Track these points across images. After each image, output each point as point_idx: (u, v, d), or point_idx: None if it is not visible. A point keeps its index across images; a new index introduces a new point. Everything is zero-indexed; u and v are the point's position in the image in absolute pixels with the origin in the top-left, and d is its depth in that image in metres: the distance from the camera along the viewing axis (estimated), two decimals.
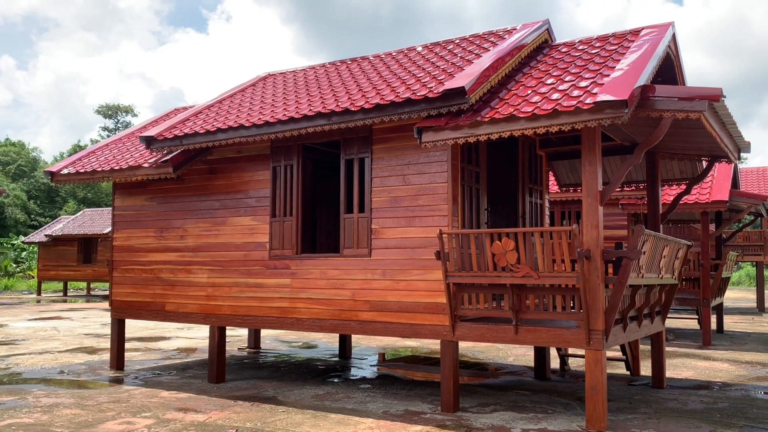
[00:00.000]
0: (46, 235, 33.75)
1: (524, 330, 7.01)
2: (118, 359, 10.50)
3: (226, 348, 13.09)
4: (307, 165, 10.98)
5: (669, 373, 10.01)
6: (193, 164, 9.53)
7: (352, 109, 7.52)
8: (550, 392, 8.68)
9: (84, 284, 38.53)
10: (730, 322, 19.03)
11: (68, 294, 34.60)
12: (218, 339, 9.43)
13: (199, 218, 9.68)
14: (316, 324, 8.46)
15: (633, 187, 14.29)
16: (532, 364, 10.97)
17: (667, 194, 14.21)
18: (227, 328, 13.29)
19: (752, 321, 20.00)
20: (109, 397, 8.28)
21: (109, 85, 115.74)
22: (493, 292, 7.24)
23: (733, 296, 34.26)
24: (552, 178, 12.96)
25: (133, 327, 17.30)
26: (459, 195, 7.70)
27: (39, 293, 33.99)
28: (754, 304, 26.84)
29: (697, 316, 17.47)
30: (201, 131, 8.79)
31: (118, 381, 9.51)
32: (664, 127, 6.47)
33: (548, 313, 6.90)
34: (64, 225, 34.55)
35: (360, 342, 14.26)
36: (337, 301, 8.30)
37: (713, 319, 17.13)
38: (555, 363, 10.84)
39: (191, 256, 9.70)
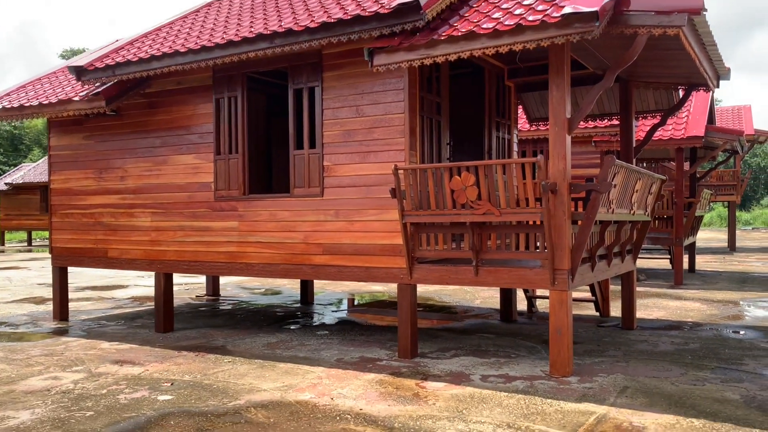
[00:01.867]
0: (6, 184, 32.50)
1: (485, 271, 6.50)
2: (61, 309, 9.87)
3: (183, 296, 12.53)
4: (260, 99, 10.21)
5: (640, 314, 9.68)
6: (130, 98, 8.70)
7: (296, 29, 6.74)
8: (515, 335, 8.28)
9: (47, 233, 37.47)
10: (702, 262, 18.92)
11: (33, 244, 33.62)
12: (164, 286, 8.82)
13: (139, 157, 8.92)
14: (267, 269, 7.88)
15: (606, 122, 13.73)
16: (498, 306, 10.57)
17: (641, 130, 13.69)
18: (187, 276, 12.76)
19: (723, 260, 19.93)
20: (43, 349, 7.68)
21: (73, 29, 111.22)
22: (452, 231, 6.68)
23: (704, 237, 34.49)
24: (522, 113, 12.30)
25: (91, 276, 16.63)
26: (417, 127, 7.04)
27: (2, 243, 32.98)
28: (725, 244, 26.93)
29: (669, 256, 17.27)
30: (134, 59, 7.94)
31: (58, 332, 8.90)
32: (638, 45, 5.82)
33: (510, 253, 6.37)
34: (25, 173, 33.26)
35: (326, 287, 13.78)
36: (288, 245, 7.70)
37: (685, 258, 16.93)
38: (523, 305, 10.45)
39: (133, 199, 8.99)
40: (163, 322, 8.76)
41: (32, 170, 33.38)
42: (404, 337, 6.97)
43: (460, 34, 5.83)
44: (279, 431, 4.70)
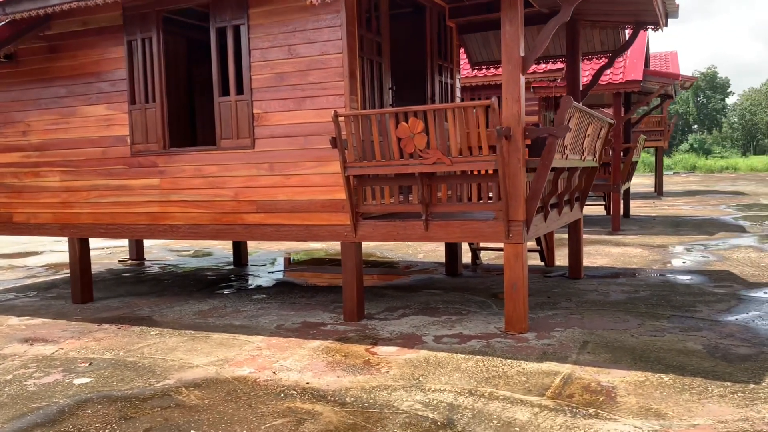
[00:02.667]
0: None
1: (435, 225, 6.02)
2: None
3: (105, 261, 11.60)
4: (179, 44, 9.27)
5: (584, 262, 9.52)
6: (27, 41, 7.60)
7: None
8: (463, 290, 7.93)
9: None
10: (634, 207, 19.24)
11: None
12: (80, 253, 7.96)
13: (43, 109, 7.89)
14: (194, 230, 7.16)
15: (544, 67, 13.38)
16: (443, 260, 10.23)
17: (584, 74, 13.42)
18: (108, 239, 11.71)
19: (654, 205, 20.36)
20: None
21: None
22: (399, 183, 6.15)
23: (632, 182, 35.48)
24: (463, 57, 11.76)
25: (2, 241, 15.29)
26: (357, 70, 6.40)
27: None
28: (653, 189, 27.66)
29: (603, 202, 17.41)
30: None
31: None
32: None
33: (462, 205, 5.91)
34: None
35: (260, 247, 13.10)
36: (217, 203, 6.99)
37: None
38: (467, 258, 10.14)
39: (38, 156, 7.98)
40: (81, 292, 7.93)
41: None
42: (350, 299, 6.46)
43: None
44: (215, 415, 4.14)
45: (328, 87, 6.33)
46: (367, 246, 12.22)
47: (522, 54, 5.60)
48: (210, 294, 8.24)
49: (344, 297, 6.50)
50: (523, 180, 5.66)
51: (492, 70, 12.47)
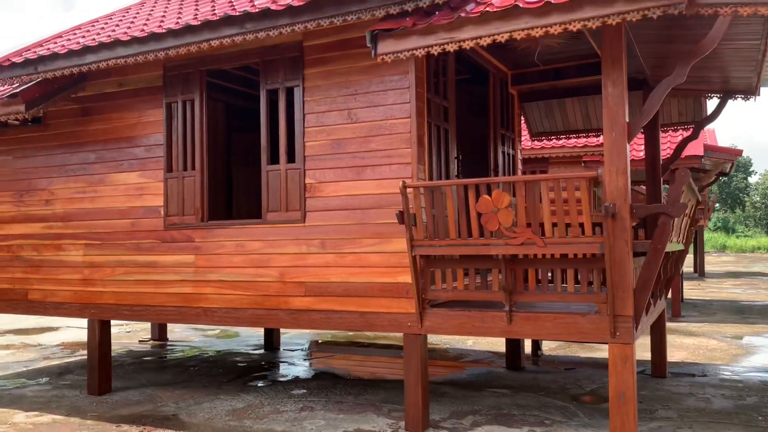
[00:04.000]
0: None
1: (521, 318, 5.07)
2: None
3: (124, 341, 10.67)
4: (218, 109, 8.67)
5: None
6: (58, 103, 7.00)
7: (275, 8, 5.26)
8: (533, 390, 6.86)
9: None
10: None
11: None
12: (100, 337, 7.06)
13: (70, 176, 7.20)
14: (232, 315, 6.25)
15: (597, 140, 12.62)
16: (496, 348, 9.19)
17: (635, 149, 12.64)
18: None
19: (700, 287, 19.16)
20: None
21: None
22: (476, 266, 5.25)
23: None
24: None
25: (15, 315, 14.45)
26: (425, 136, 5.64)
27: None
28: (692, 269, 26.42)
29: None
30: (62, 51, 6.29)
31: None
32: (720, 28, 4.59)
33: (556, 294, 4.98)
34: None
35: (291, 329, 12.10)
36: (259, 284, 6.11)
37: None
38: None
39: (61, 227, 7.23)
40: (99, 381, 6.98)
41: None
42: (413, 404, 5.44)
43: (497, 9, 4.47)
44: None
45: (393, 155, 5.55)
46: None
47: (627, 120, 4.80)
48: (242, 387, 7.24)
49: (406, 402, 5.48)
50: (630, 267, 4.73)
51: (555, 141, 11.75)
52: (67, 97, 7.02)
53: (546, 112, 8.65)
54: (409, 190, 5.15)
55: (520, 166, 8.31)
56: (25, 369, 8.51)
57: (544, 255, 5.00)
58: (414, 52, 4.83)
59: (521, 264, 5.05)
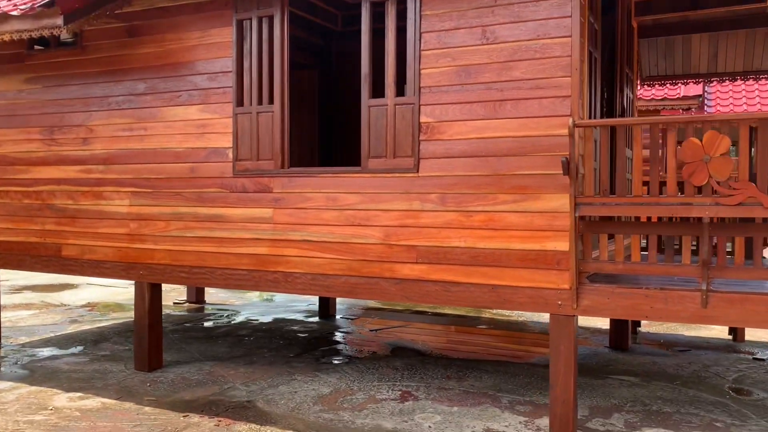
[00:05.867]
0: None
1: (721, 300, 3.91)
2: None
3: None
4: (300, 36, 7.38)
5: None
6: (99, 18, 5.72)
7: None
8: (665, 378, 5.78)
9: None
10: None
11: None
12: (150, 302, 5.94)
13: (113, 109, 5.97)
14: (319, 283, 5.11)
15: (678, 93, 11.33)
16: (590, 324, 8.11)
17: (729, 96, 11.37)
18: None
19: None
20: None
21: None
22: (659, 232, 4.09)
23: None
24: None
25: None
26: (585, 65, 4.41)
27: None
28: None
29: None
30: None
31: None
32: None
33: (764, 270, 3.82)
34: None
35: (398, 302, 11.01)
36: (356, 247, 4.95)
37: None
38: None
39: (102, 171, 6.04)
40: (148, 356, 5.89)
41: None
42: (562, 401, 4.32)
43: None
44: None
45: (544, 85, 4.33)
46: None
47: None
48: (316, 364, 6.16)
49: (553, 398, 4.37)
50: None
51: (669, 86, 10.47)
52: (110, 14, 5.73)
53: (666, 50, 7.36)
54: (578, 129, 3.95)
55: (636, 113, 7.08)
56: (53, 335, 7.42)
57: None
58: None
59: (723, 230, 3.89)
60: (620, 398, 5.18)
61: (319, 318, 8.63)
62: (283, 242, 5.24)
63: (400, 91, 4.84)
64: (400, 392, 5.27)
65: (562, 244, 4.25)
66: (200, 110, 5.57)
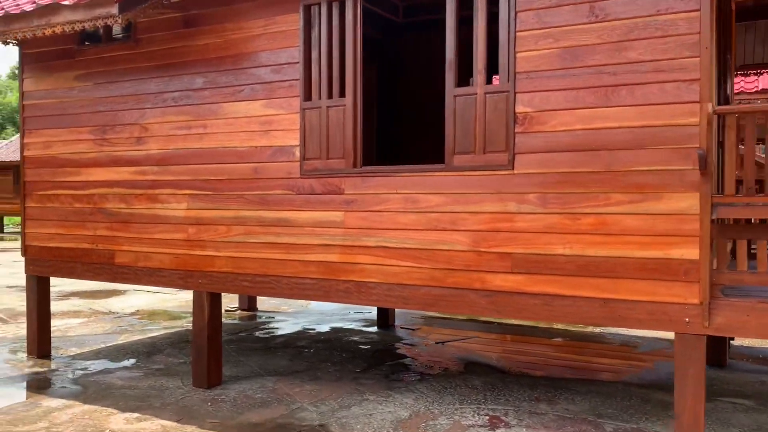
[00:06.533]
0: None
1: None
2: (40, 342, 6.50)
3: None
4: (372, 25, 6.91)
5: None
6: (155, 7, 5.31)
7: None
8: None
9: None
10: None
11: (5, 231, 29.86)
12: (210, 313, 5.50)
13: (169, 106, 5.56)
14: (396, 294, 4.59)
15: (756, 85, 10.53)
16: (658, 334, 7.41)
17: None
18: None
19: None
20: None
21: None
22: None
23: None
24: None
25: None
26: (714, 44, 3.81)
27: None
28: None
29: None
30: None
31: (35, 386, 5.57)
32: None
33: None
34: None
35: (489, 317, 10.49)
36: (440, 254, 4.42)
37: None
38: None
39: (158, 173, 5.63)
40: (208, 371, 5.45)
41: (5, 147, 29.60)
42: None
43: None
44: None
45: (667, 68, 3.74)
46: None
47: None
48: (387, 382, 5.64)
49: (678, 428, 3.76)
50: None
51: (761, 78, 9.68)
52: (165, 1, 5.32)
53: (765, 36, 6.67)
54: (718, 115, 3.36)
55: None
56: (104, 345, 7.06)
57: None
58: None
59: None
60: (740, 426, 4.54)
61: (378, 327, 8.12)
62: (356, 248, 4.74)
63: (491, 77, 4.31)
64: (487, 417, 4.71)
65: (691, 252, 3.65)
66: (264, 105, 5.11)
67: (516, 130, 4.17)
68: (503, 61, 4.21)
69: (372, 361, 6.40)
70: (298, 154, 4.97)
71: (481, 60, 4.28)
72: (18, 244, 22.34)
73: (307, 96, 4.94)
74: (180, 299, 10.18)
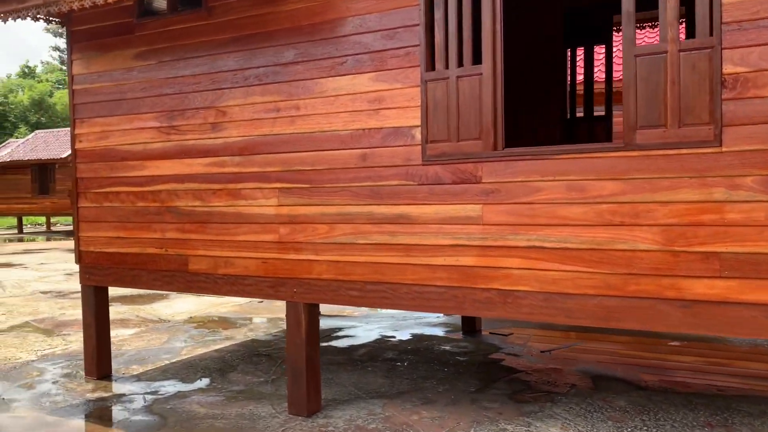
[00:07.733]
0: None
1: None
2: (99, 361, 5.70)
3: (263, 315, 8.39)
4: None
5: None
6: None
7: None
8: None
9: (43, 219, 33.10)
10: None
11: (24, 231, 29.29)
12: (307, 328, 4.66)
13: (252, 85, 4.70)
14: (556, 305, 3.73)
15: None
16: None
17: None
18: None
19: None
20: None
21: None
22: None
23: None
24: None
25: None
26: None
27: None
28: None
29: None
30: None
31: (98, 416, 4.76)
32: None
33: None
34: (12, 150, 28.94)
35: (688, 332, 9.64)
36: (616, 255, 3.55)
37: None
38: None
39: (239, 164, 4.79)
40: (307, 396, 4.62)
41: (21, 146, 29.02)
42: None
43: None
44: None
45: None
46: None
47: None
48: (515, 404, 4.78)
49: None
50: None
51: None
52: None
53: None
54: None
55: None
56: (168, 362, 6.25)
57: None
58: None
59: None
60: None
61: (464, 333, 7.27)
62: (499, 249, 3.87)
63: (689, 32, 3.42)
64: None
65: None
66: (373, 79, 4.25)
67: (724, 97, 3.28)
68: (701, 10, 3.32)
69: (482, 376, 5.55)
70: (418, 136, 4.10)
71: (672, 7, 3.39)
72: (42, 245, 21.70)
73: (430, 66, 4.06)
74: (231, 303, 9.38)
